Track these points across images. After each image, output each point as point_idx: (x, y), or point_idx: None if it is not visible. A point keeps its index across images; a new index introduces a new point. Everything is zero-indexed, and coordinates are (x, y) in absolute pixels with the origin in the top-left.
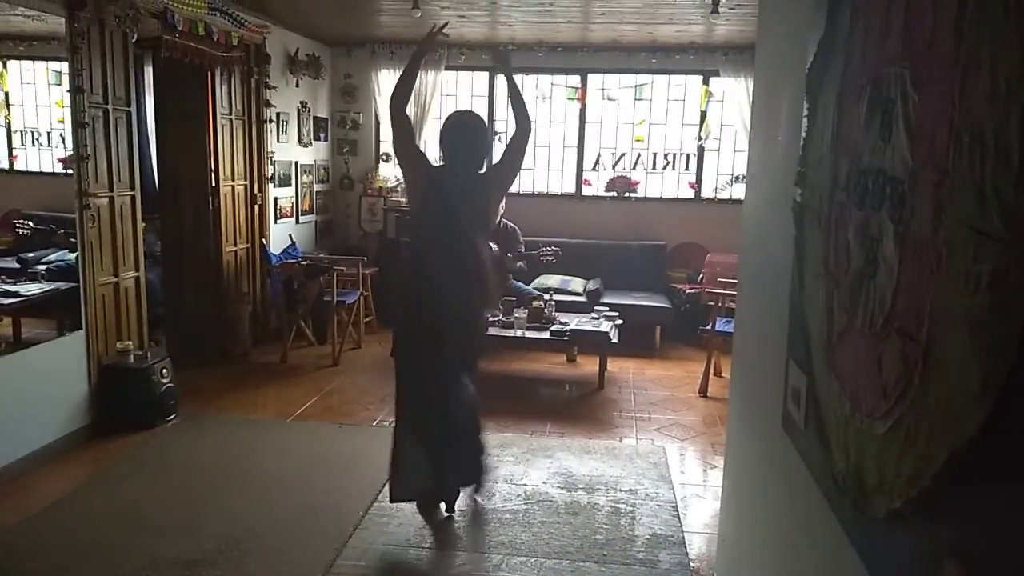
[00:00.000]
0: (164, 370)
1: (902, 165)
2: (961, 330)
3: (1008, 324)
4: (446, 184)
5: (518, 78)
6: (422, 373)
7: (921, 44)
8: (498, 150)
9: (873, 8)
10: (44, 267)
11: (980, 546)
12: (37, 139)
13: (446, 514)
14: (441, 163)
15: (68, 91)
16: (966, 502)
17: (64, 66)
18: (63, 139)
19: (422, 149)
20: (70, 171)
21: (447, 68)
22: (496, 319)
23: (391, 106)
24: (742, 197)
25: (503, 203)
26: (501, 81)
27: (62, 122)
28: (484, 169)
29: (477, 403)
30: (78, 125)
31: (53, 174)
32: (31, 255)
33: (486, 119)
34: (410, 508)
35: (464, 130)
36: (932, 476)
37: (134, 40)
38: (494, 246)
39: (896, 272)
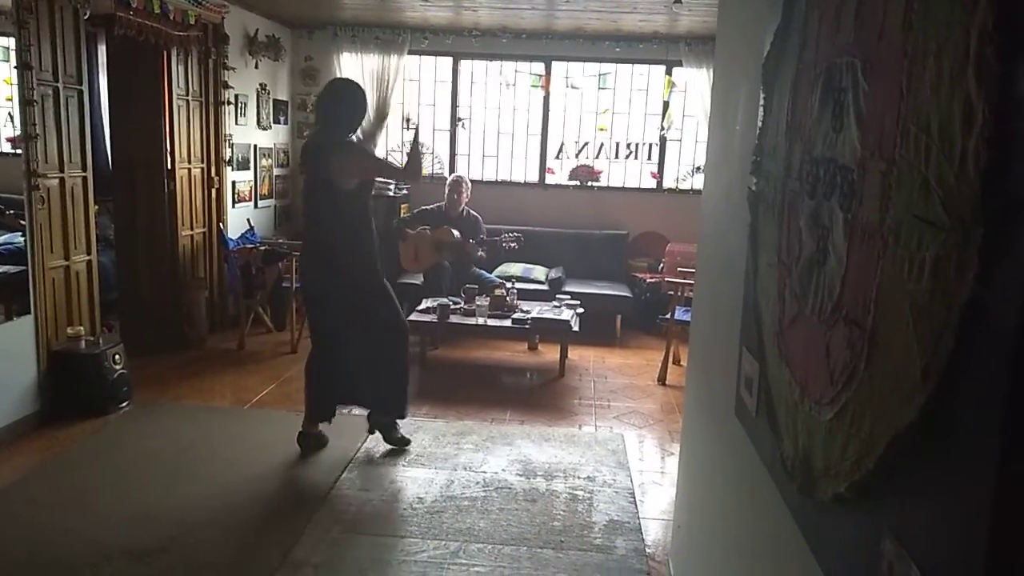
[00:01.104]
0: (117, 356)
1: (852, 154)
2: (904, 316)
3: (948, 310)
4: (308, 144)
5: (478, 64)
6: (320, 313)
7: (872, 34)
8: (461, 136)
9: None
10: None
11: (918, 525)
12: None
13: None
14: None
15: (16, 68)
16: (906, 484)
17: (11, 42)
18: (11, 117)
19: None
20: (18, 151)
21: (410, 52)
22: (458, 306)
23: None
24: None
25: (466, 192)
26: (465, 67)
27: (10, 100)
28: (353, 137)
29: (393, 338)
30: (26, 103)
31: (2, 154)
32: None
33: (360, 90)
34: (367, 496)
35: (330, 93)
36: (875, 460)
37: (86, 16)
38: (456, 232)
39: (845, 260)
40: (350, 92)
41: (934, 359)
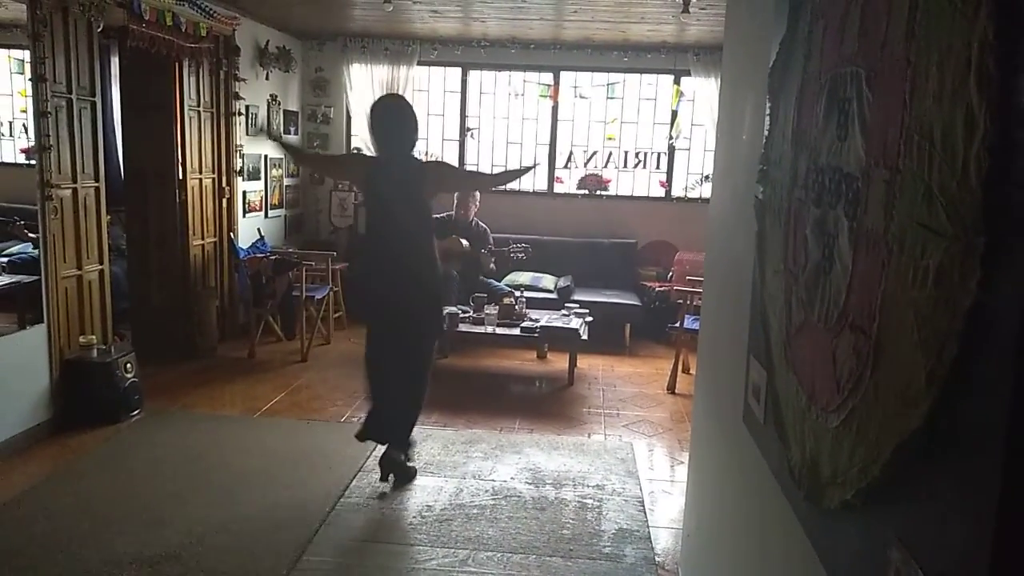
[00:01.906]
0: (128, 365)
1: (857, 163)
2: (908, 323)
3: (952, 317)
4: (382, 171)
5: (487, 75)
6: (374, 339)
7: (875, 45)
8: (470, 145)
9: (831, 9)
10: (5, 260)
11: (925, 532)
12: None
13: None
14: (375, 152)
15: (30, 80)
16: (913, 491)
17: (27, 54)
18: (26, 129)
19: (348, 153)
20: (32, 162)
21: (419, 63)
22: (467, 315)
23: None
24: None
25: (477, 202)
26: (474, 77)
27: (25, 112)
28: (415, 152)
29: (420, 379)
30: (40, 115)
31: (16, 165)
32: None
33: (411, 104)
34: (376, 504)
35: (391, 115)
36: (881, 466)
37: (99, 29)
38: (464, 241)
39: (850, 268)
40: (409, 106)
41: (938, 366)
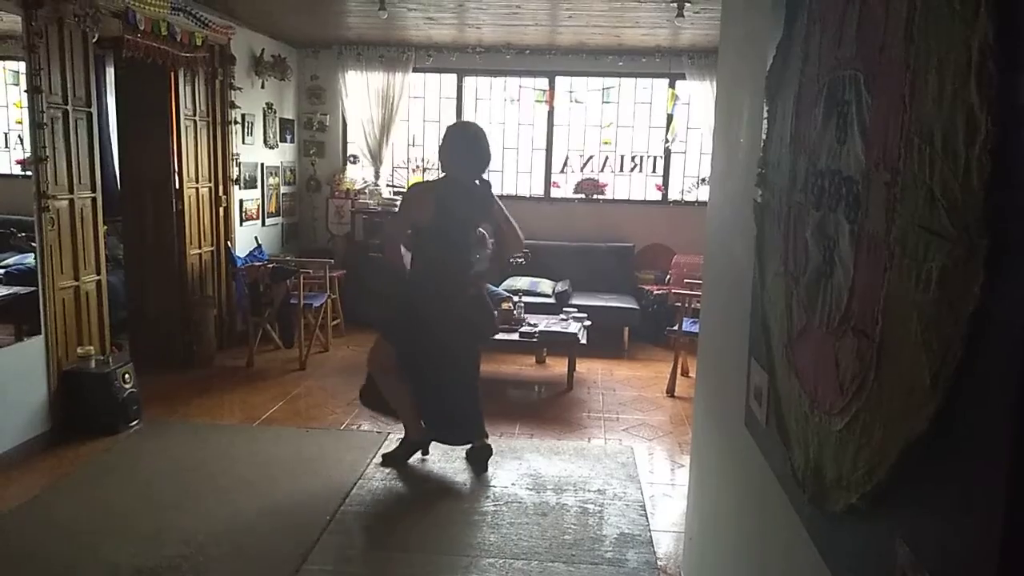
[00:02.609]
0: (126, 375)
1: (857, 166)
2: (912, 326)
3: (956, 319)
4: (454, 196)
5: (483, 81)
6: (415, 347)
7: (874, 48)
8: None
9: (828, 12)
10: (2, 271)
11: (931, 535)
12: None
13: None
14: (444, 175)
15: (26, 91)
16: (919, 493)
17: (22, 65)
18: (21, 140)
19: (421, 197)
20: (29, 173)
21: (415, 70)
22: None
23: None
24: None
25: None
26: (470, 83)
27: (20, 123)
28: (486, 177)
29: (473, 382)
30: (36, 126)
31: (11, 176)
32: None
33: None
34: (376, 511)
35: (467, 139)
36: (887, 469)
37: (94, 40)
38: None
39: (852, 271)
40: (484, 133)
41: (943, 368)
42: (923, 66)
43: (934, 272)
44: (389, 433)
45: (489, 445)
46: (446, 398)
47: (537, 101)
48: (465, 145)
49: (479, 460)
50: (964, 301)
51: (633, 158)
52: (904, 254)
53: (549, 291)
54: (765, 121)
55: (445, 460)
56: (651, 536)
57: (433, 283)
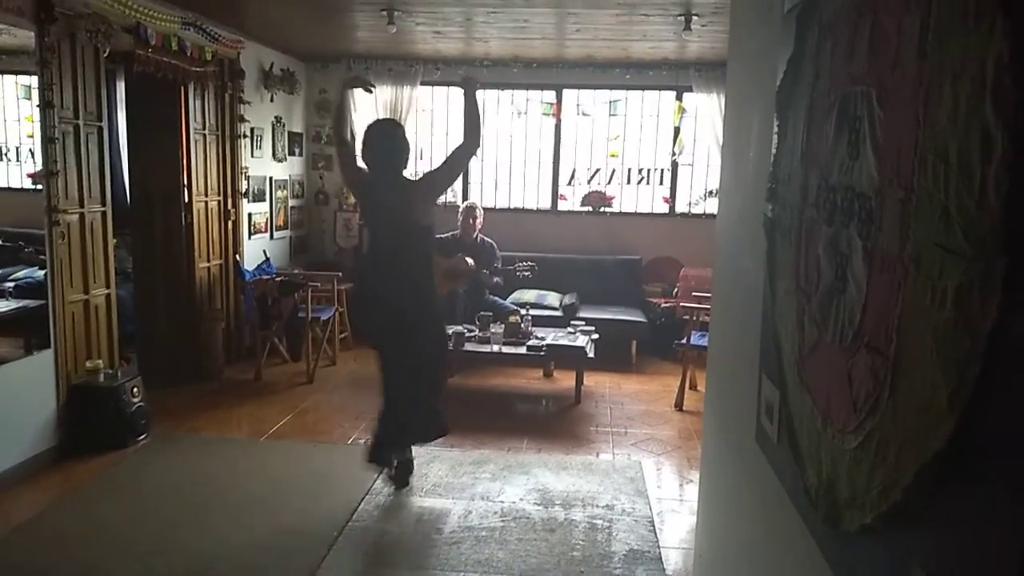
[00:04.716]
0: (135, 389)
1: (869, 182)
2: (928, 344)
3: (973, 338)
4: (374, 191)
5: (490, 94)
6: (384, 355)
7: (886, 63)
8: (473, 164)
9: (840, 27)
10: (12, 284)
11: (947, 557)
12: (6, 154)
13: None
14: (368, 172)
15: (38, 106)
16: (935, 514)
17: (34, 80)
18: (32, 154)
19: (361, 167)
20: (39, 187)
21: (423, 83)
22: (473, 334)
23: (334, 139)
24: (715, 212)
25: (479, 218)
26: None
27: (32, 137)
28: (411, 173)
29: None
30: (48, 140)
31: (22, 190)
32: None
33: (404, 128)
34: (384, 527)
35: (381, 138)
36: (903, 490)
37: (106, 55)
38: (470, 260)
39: (865, 288)
40: (401, 131)
41: (960, 387)
42: (937, 83)
43: (949, 290)
44: None
45: (410, 460)
46: (391, 399)
47: (544, 114)
48: (370, 141)
49: (401, 476)
50: (981, 319)
51: (640, 170)
52: (919, 272)
53: (556, 304)
54: (775, 136)
55: (452, 475)
56: (660, 553)
57: (373, 286)
